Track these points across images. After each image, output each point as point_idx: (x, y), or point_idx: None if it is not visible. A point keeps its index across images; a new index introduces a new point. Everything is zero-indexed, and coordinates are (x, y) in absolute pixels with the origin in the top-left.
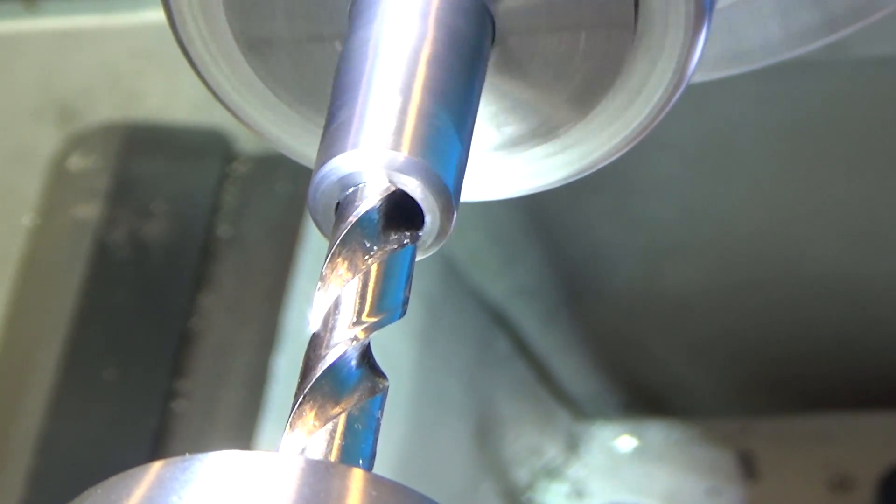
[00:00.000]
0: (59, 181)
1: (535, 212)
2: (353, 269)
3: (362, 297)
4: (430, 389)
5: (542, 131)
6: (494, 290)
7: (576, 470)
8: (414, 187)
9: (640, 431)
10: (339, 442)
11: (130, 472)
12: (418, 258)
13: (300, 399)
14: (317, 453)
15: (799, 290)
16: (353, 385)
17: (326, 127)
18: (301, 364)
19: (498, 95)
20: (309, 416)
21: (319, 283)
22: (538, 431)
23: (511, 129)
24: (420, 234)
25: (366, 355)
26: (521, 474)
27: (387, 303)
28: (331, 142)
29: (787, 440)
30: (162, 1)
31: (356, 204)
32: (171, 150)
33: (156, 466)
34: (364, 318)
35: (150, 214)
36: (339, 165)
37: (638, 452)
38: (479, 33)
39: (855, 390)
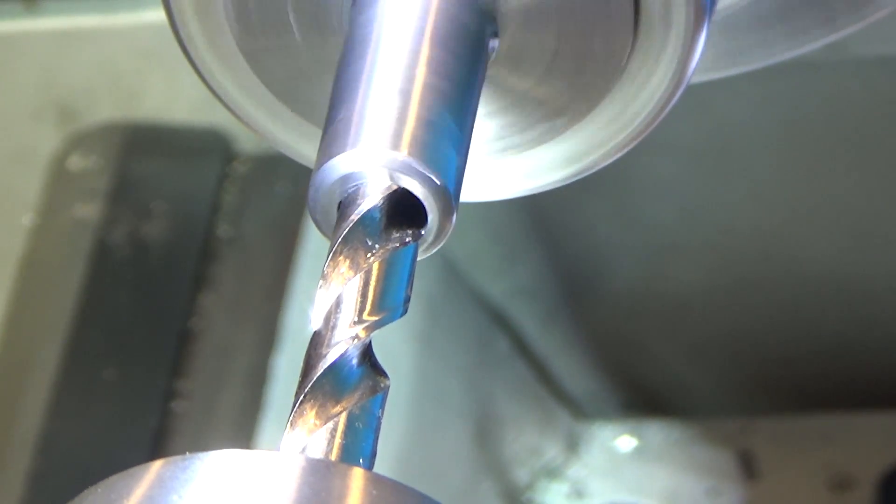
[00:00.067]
0: (59, 181)
1: (535, 212)
2: (355, 267)
3: (364, 295)
4: (430, 389)
5: (542, 131)
6: (494, 290)
7: (576, 470)
8: (413, 187)
9: (640, 431)
10: (339, 441)
11: (131, 471)
12: (418, 258)
13: (301, 398)
14: (317, 452)
15: (799, 290)
16: (354, 384)
17: (326, 126)
18: (302, 363)
19: (498, 95)
20: (310, 414)
21: (321, 282)
22: (538, 431)
23: (511, 129)
24: (422, 231)
25: (367, 354)
26: (521, 474)
27: (388, 301)
28: (331, 141)
29: (787, 440)
30: (162, 1)
31: (358, 202)
32: (171, 150)
33: (156, 465)
34: (365, 316)
35: (150, 214)
36: (338, 165)
37: (638, 452)
38: (479, 33)
39: (855, 390)
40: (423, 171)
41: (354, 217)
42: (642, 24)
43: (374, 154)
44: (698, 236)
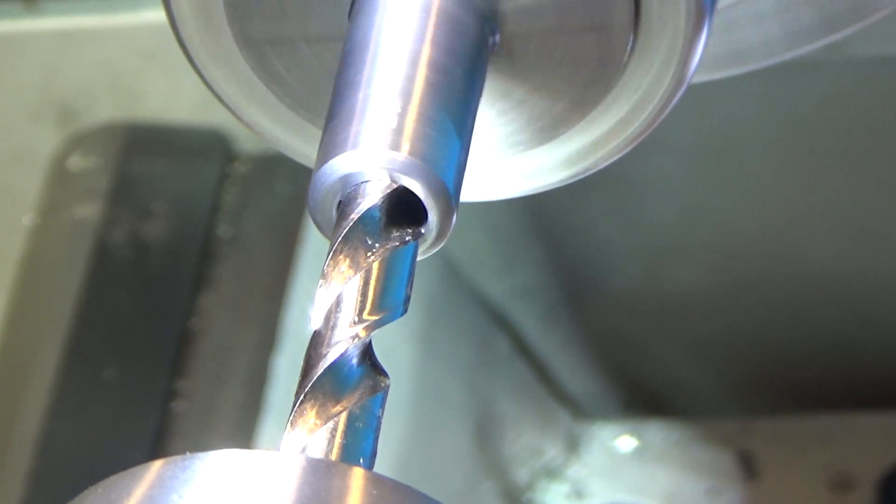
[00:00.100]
0: (59, 181)
1: (535, 212)
2: (355, 266)
3: (364, 294)
4: (430, 389)
5: (542, 131)
6: (494, 290)
7: (576, 470)
8: (414, 187)
9: (640, 431)
10: (339, 440)
11: (131, 470)
12: (417, 258)
13: (301, 397)
14: (317, 452)
15: (799, 290)
16: (355, 383)
17: (326, 127)
18: (302, 363)
19: (498, 95)
20: (310, 414)
21: (321, 281)
22: (538, 431)
23: (511, 130)
24: (422, 230)
25: (367, 353)
26: (521, 474)
27: (388, 300)
28: (331, 142)
29: (787, 440)
30: (162, 1)
31: (358, 201)
32: (171, 150)
33: (156, 465)
34: (366, 315)
35: (150, 214)
36: (339, 165)
37: (638, 452)
38: (479, 33)
39: (855, 390)
40: (424, 172)
41: (354, 216)
42: (642, 24)
43: (374, 154)
44: (698, 236)
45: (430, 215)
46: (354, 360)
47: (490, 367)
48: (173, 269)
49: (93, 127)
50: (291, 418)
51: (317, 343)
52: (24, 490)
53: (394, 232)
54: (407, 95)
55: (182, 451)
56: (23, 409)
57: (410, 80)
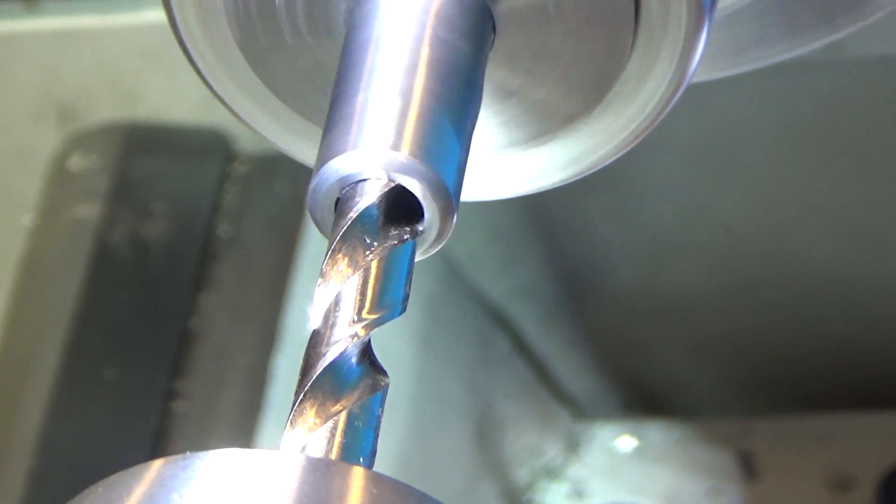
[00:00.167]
0: (59, 181)
1: (535, 212)
2: (354, 265)
3: (363, 293)
4: (430, 389)
5: (542, 131)
6: (494, 290)
7: (576, 470)
8: (414, 188)
9: (640, 431)
10: (339, 440)
11: (131, 470)
12: (417, 259)
13: (301, 396)
14: (317, 451)
15: (799, 290)
16: (354, 382)
17: (326, 127)
18: (301, 362)
19: (498, 96)
20: (309, 413)
21: (320, 280)
22: (538, 431)
23: (511, 129)
24: (420, 228)
25: (366, 352)
26: (521, 474)
27: (387, 299)
28: (331, 142)
29: (787, 440)
30: (162, 1)
31: (356, 200)
32: (171, 150)
33: (156, 464)
34: (365, 314)
35: (150, 214)
36: (339, 166)
37: (638, 452)
38: (479, 33)
39: (855, 390)
40: (424, 172)
41: (353, 215)
42: (642, 24)
43: (374, 154)
44: (698, 236)
45: (426, 214)
46: (354, 359)
47: (490, 367)
48: (173, 269)
49: (93, 127)
50: (291, 417)
51: (316, 342)
52: (24, 490)
53: (392, 231)
54: (407, 96)
55: (182, 451)
56: (23, 409)
57: (410, 80)
